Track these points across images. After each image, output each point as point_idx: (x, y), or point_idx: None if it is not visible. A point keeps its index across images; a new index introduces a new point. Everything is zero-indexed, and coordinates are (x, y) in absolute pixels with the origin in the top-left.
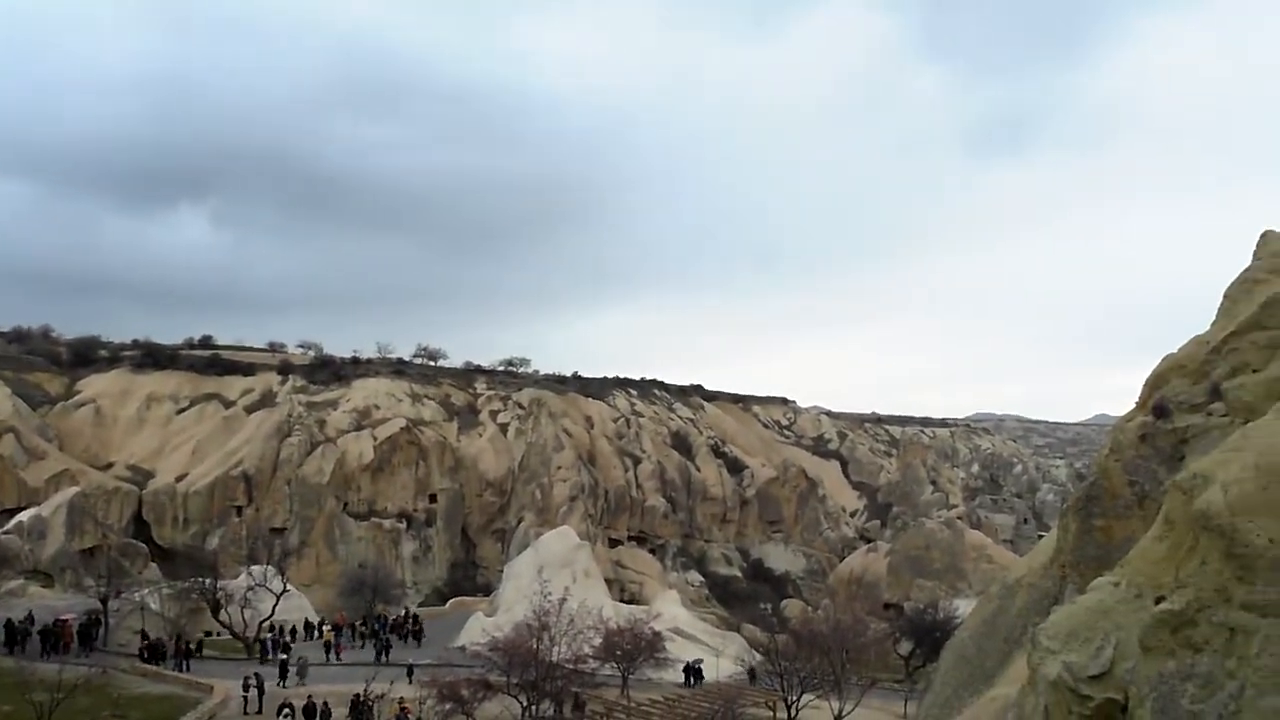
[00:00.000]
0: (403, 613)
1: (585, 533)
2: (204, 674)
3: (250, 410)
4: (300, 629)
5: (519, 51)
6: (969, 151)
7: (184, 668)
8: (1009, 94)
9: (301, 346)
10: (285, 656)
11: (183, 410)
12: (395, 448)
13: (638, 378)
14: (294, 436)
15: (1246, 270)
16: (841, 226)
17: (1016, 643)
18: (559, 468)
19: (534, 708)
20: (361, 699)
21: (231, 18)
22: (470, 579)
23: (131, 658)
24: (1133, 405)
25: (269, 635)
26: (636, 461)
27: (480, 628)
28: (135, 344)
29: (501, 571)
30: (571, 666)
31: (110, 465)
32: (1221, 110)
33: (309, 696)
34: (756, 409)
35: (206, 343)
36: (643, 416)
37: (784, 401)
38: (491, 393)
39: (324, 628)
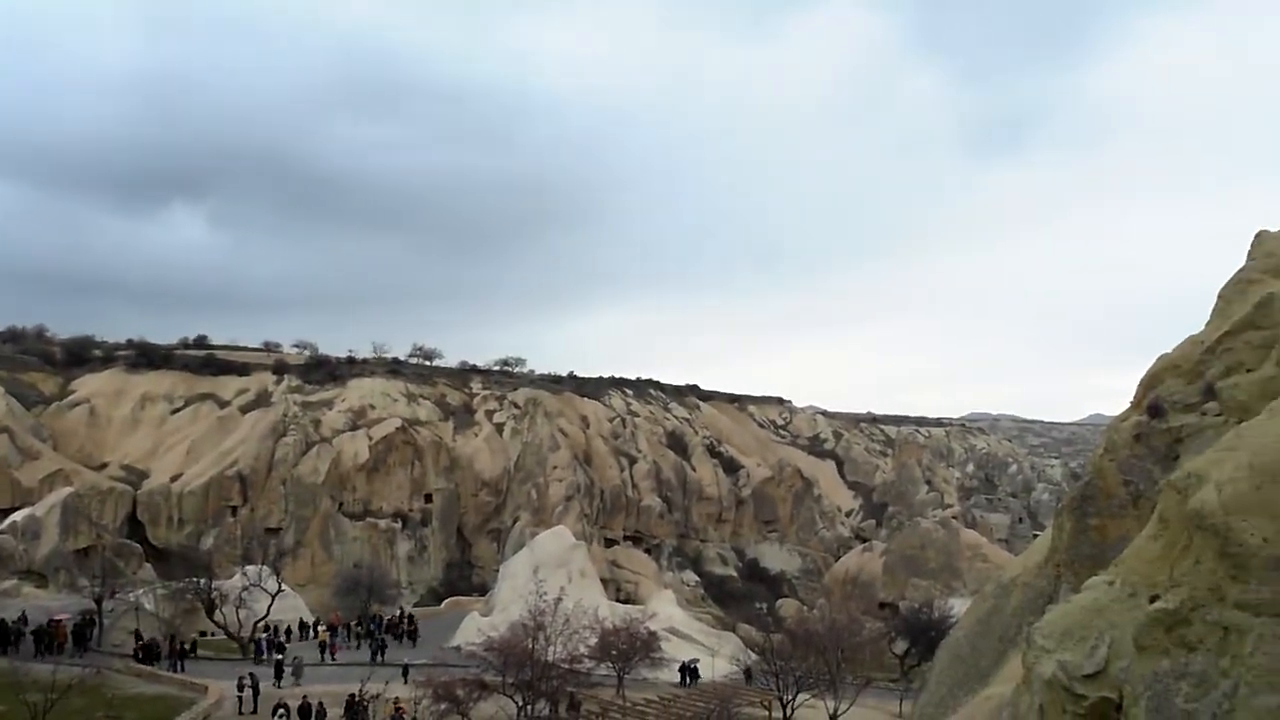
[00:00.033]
0: (398, 613)
1: (581, 532)
2: (199, 674)
3: (245, 410)
4: (295, 629)
5: (518, 52)
6: (965, 152)
7: (179, 668)
8: (1007, 94)
9: (297, 346)
10: (281, 657)
11: (177, 410)
12: (390, 447)
13: (633, 377)
14: (289, 436)
15: (1241, 270)
16: (837, 227)
17: (1011, 642)
18: (554, 467)
19: (529, 708)
20: (356, 699)
21: (230, 18)
22: (466, 579)
23: (126, 658)
24: (1127, 405)
25: (263, 635)
26: (632, 461)
27: (476, 627)
28: (130, 344)
29: (497, 571)
30: (567, 666)
31: (105, 465)
32: (1220, 110)
33: (304, 697)
34: (752, 409)
35: (201, 342)
36: (638, 416)
37: (779, 401)
38: (487, 392)
39: (319, 628)
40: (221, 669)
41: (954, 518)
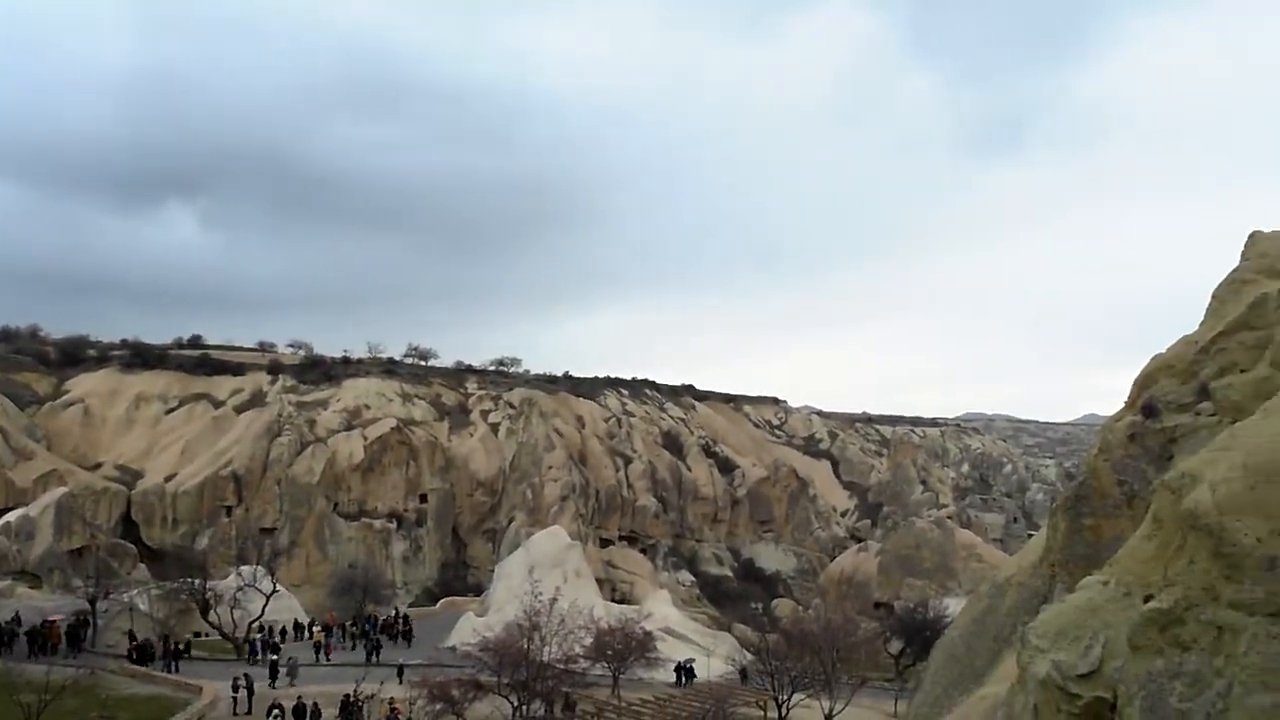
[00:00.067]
0: (393, 613)
1: (576, 533)
2: (193, 675)
3: (240, 410)
4: (290, 629)
5: (516, 52)
6: (963, 152)
7: (173, 669)
8: (1005, 94)
9: (292, 346)
10: (275, 657)
11: (172, 410)
12: (386, 447)
13: (629, 378)
14: (284, 436)
15: (1234, 271)
16: (834, 227)
17: (1006, 641)
18: (550, 467)
19: (525, 708)
20: (351, 699)
21: (229, 18)
22: (461, 579)
23: (120, 659)
24: (1122, 405)
25: (257, 636)
26: (628, 461)
27: (471, 628)
28: (124, 344)
29: (492, 571)
30: (562, 666)
31: (99, 465)
32: (1217, 111)
33: (299, 697)
34: (747, 409)
35: (196, 342)
36: (634, 416)
37: (775, 401)
38: (482, 392)
39: (314, 628)
40: (216, 669)
41: (949, 518)
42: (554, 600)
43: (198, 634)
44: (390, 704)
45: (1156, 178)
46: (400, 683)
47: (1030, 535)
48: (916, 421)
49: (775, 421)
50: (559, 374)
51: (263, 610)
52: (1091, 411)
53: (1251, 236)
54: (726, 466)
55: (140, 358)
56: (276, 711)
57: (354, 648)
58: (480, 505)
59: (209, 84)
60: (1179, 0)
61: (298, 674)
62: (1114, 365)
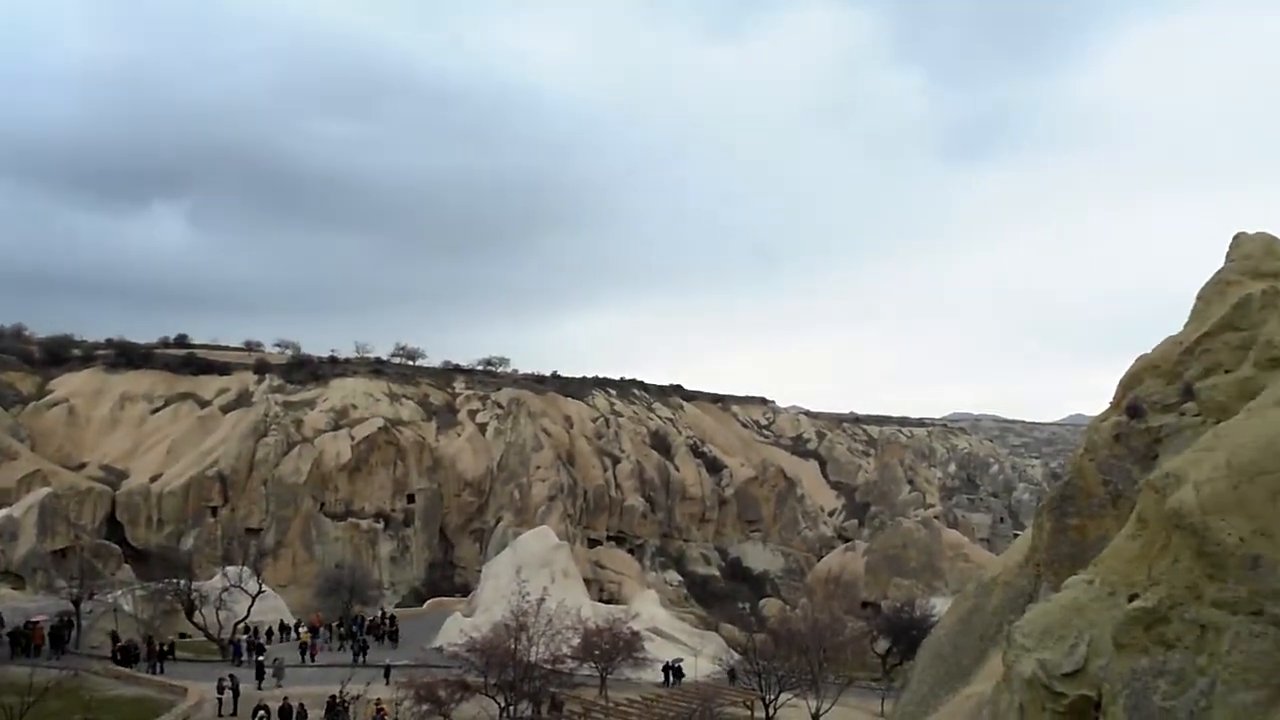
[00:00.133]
0: (379, 613)
1: (564, 533)
2: (178, 676)
3: (226, 410)
4: (276, 630)
5: (500, 52)
6: (949, 153)
7: (157, 670)
8: (990, 95)
9: (278, 346)
10: (262, 658)
11: (157, 410)
12: (373, 447)
13: (617, 378)
14: (270, 436)
15: (1219, 272)
16: (821, 228)
17: (992, 640)
18: (538, 467)
19: (512, 708)
20: (337, 700)
21: (210, 15)
22: (448, 579)
23: (104, 660)
24: (1107, 405)
25: (243, 637)
26: (615, 461)
27: (458, 628)
28: (109, 343)
29: (480, 572)
30: (550, 667)
31: (83, 465)
32: (1202, 114)
33: (285, 698)
34: (735, 409)
35: (182, 342)
36: (622, 416)
37: (763, 401)
38: (470, 392)
39: (300, 629)
40: (201, 671)
41: (936, 517)
42: (541, 600)
43: (183, 635)
44: (377, 705)
45: (1142, 179)
46: (387, 683)
47: (1016, 535)
48: (904, 422)
49: (763, 421)
50: (547, 374)
51: (248, 611)
52: (1077, 412)
53: (1236, 238)
54: (714, 466)
55: (125, 357)
56: (262, 713)
57: (340, 648)
58: (468, 505)
59: (193, 83)
60: (1164, 2)
61: (284, 675)
62: (1100, 366)
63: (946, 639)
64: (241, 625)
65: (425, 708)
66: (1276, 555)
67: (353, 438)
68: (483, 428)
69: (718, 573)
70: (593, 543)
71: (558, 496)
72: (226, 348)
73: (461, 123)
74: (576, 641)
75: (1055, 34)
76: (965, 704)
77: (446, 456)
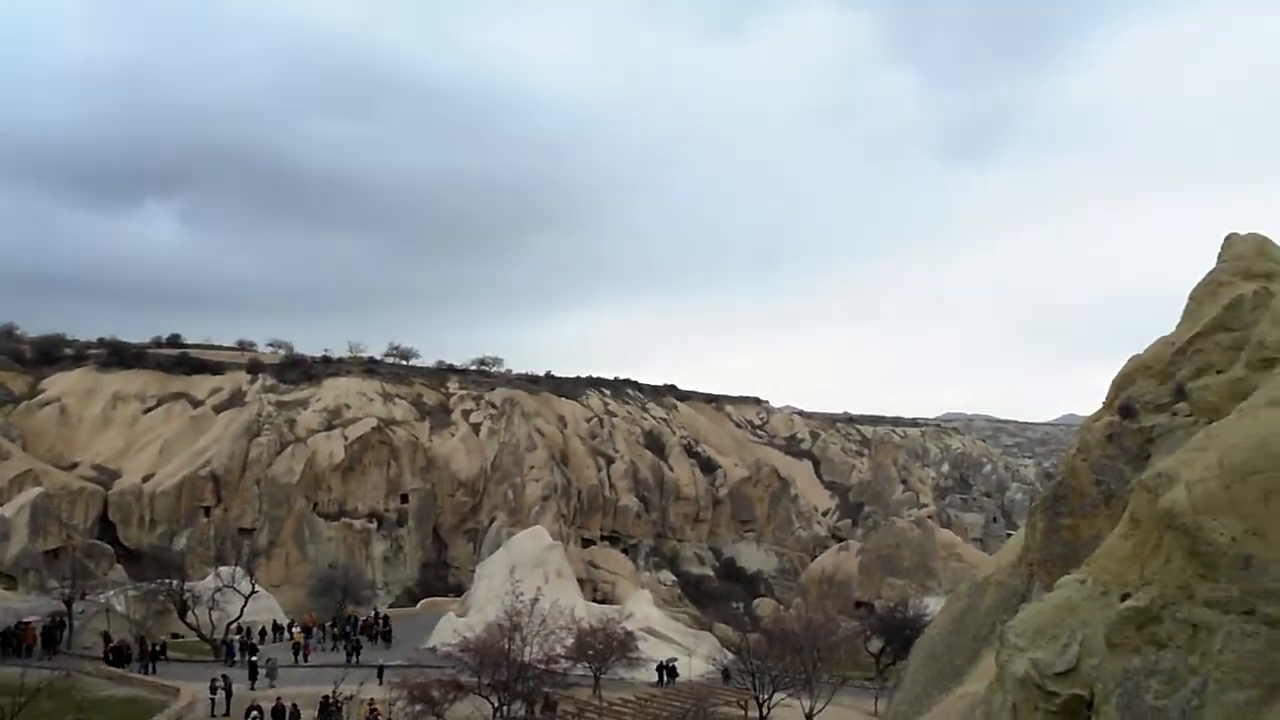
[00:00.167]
0: (372, 613)
1: (558, 533)
2: (171, 677)
3: (219, 409)
4: (269, 630)
5: (495, 51)
6: (943, 153)
7: (150, 670)
8: (986, 96)
9: (271, 345)
10: (255, 658)
11: (150, 409)
12: (366, 447)
13: (611, 377)
14: (263, 436)
15: (1211, 273)
16: (814, 228)
17: (985, 640)
18: (531, 467)
19: (505, 708)
20: (330, 701)
21: (204, 14)
22: (442, 579)
23: (96, 660)
24: (1100, 405)
25: (235, 637)
26: (609, 461)
27: (452, 628)
28: (101, 342)
29: (473, 572)
30: (543, 667)
31: (75, 465)
32: (1197, 115)
33: (278, 698)
34: (729, 409)
35: (174, 341)
36: (616, 416)
37: (757, 401)
38: (464, 392)
39: (293, 629)
40: (194, 671)
41: (929, 517)
42: (535, 600)
43: (175, 635)
44: (370, 705)
45: (1139, 179)
46: (380, 684)
47: (1009, 535)
48: (897, 421)
49: (757, 421)
50: (541, 374)
51: (241, 611)
52: (1070, 412)
53: (1228, 239)
54: (708, 466)
55: (118, 356)
56: (255, 713)
57: (334, 649)
58: (461, 505)
59: (186, 82)
60: (1160, 5)
61: (277, 675)
62: (1093, 366)
63: (940, 639)
64: (234, 625)
65: (419, 708)
66: (1268, 555)
67: (346, 437)
68: (476, 428)
69: (711, 573)
70: (586, 543)
71: (551, 496)
72: (219, 347)
73: (459, 123)
74: (570, 641)
75: (1054, 34)
76: (958, 704)
77: (440, 456)
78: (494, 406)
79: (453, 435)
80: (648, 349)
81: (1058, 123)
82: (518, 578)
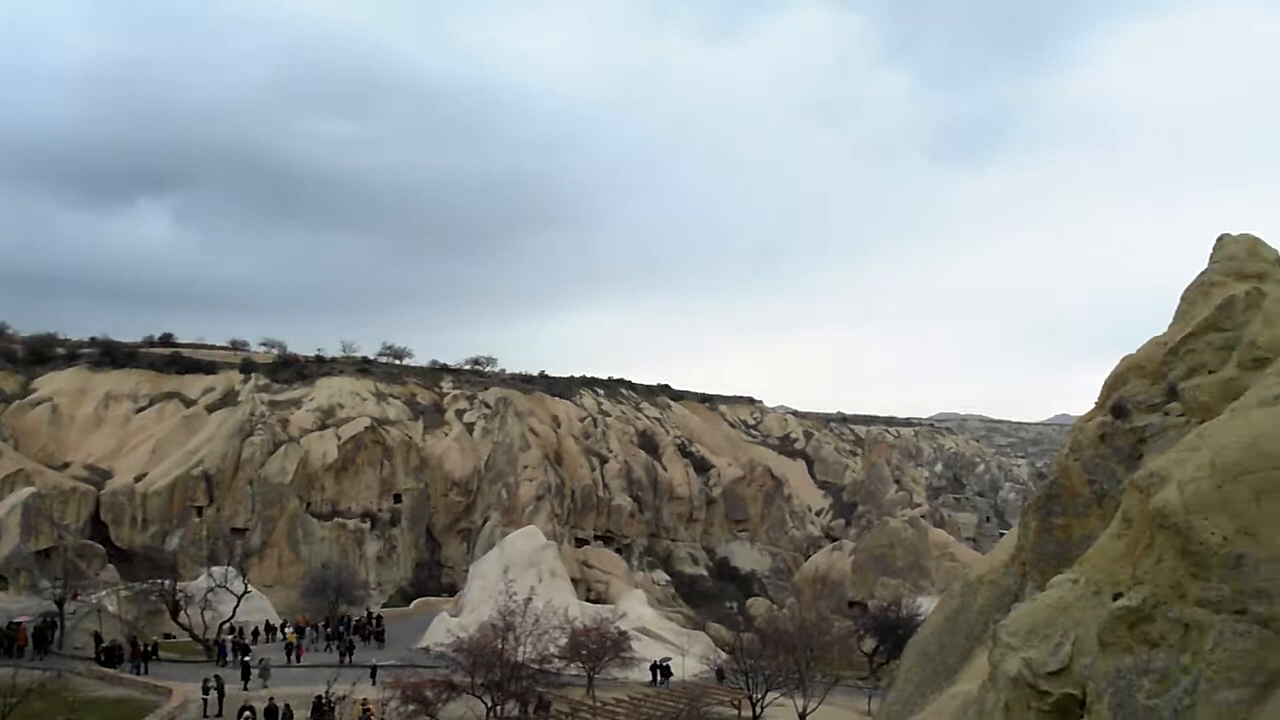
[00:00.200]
0: (365, 613)
1: (551, 532)
2: (163, 677)
3: (211, 409)
4: (261, 630)
5: (490, 51)
6: (936, 155)
7: (142, 671)
8: (980, 97)
9: (264, 345)
10: (247, 659)
11: (142, 409)
12: (360, 447)
13: (605, 377)
14: (256, 436)
15: (1203, 273)
16: (808, 228)
17: (978, 640)
18: (525, 467)
19: (499, 708)
20: (323, 701)
21: (198, 13)
22: (435, 579)
23: (88, 661)
24: (1092, 405)
25: (227, 637)
26: (603, 461)
27: (445, 628)
28: (93, 341)
29: (467, 571)
30: (537, 666)
31: (67, 465)
32: (1190, 116)
33: (270, 699)
34: (723, 408)
35: (167, 341)
36: (609, 416)
37: (750, 401)
38: (458, 392)
39: (286, 629)
40: (186, 671)
41: (922, 517)
42: (529, 600)
43: (168, 636)
44: (363, 705)
45: (1128, 181)
46: (373, 684)
47: (1002, 534)
48: (891, 421)
49: (751, 421)
50: (534, 373)
51: (234, 611)
52: (1063, 412)
53: (1220, 240)
54: (702, 466)
55: (110, 356)
56: (248, 713)
57: (327, 649)
58: (455, 505)
59: (179, 81)
60: (1159, 5)
61: (269, 675)
62: (1085, 366)
63: (933, 638)
64: (227, 625)
65: (412, 708)
66: (1260, 554)
67: (339, 437)
68: (470, 427)
69: (705, 572)
70: (580, 542)
71: (545, 496)
72: (212, 347)
73: (455, 122)
74: (564, 641)
75: (1051, 35)
76: (951, 703)
77: (433, 456)
78: (488, 406)
79: (446, 435)
80: (642, 349)
81: (1052, 124)
82: (511, 577)
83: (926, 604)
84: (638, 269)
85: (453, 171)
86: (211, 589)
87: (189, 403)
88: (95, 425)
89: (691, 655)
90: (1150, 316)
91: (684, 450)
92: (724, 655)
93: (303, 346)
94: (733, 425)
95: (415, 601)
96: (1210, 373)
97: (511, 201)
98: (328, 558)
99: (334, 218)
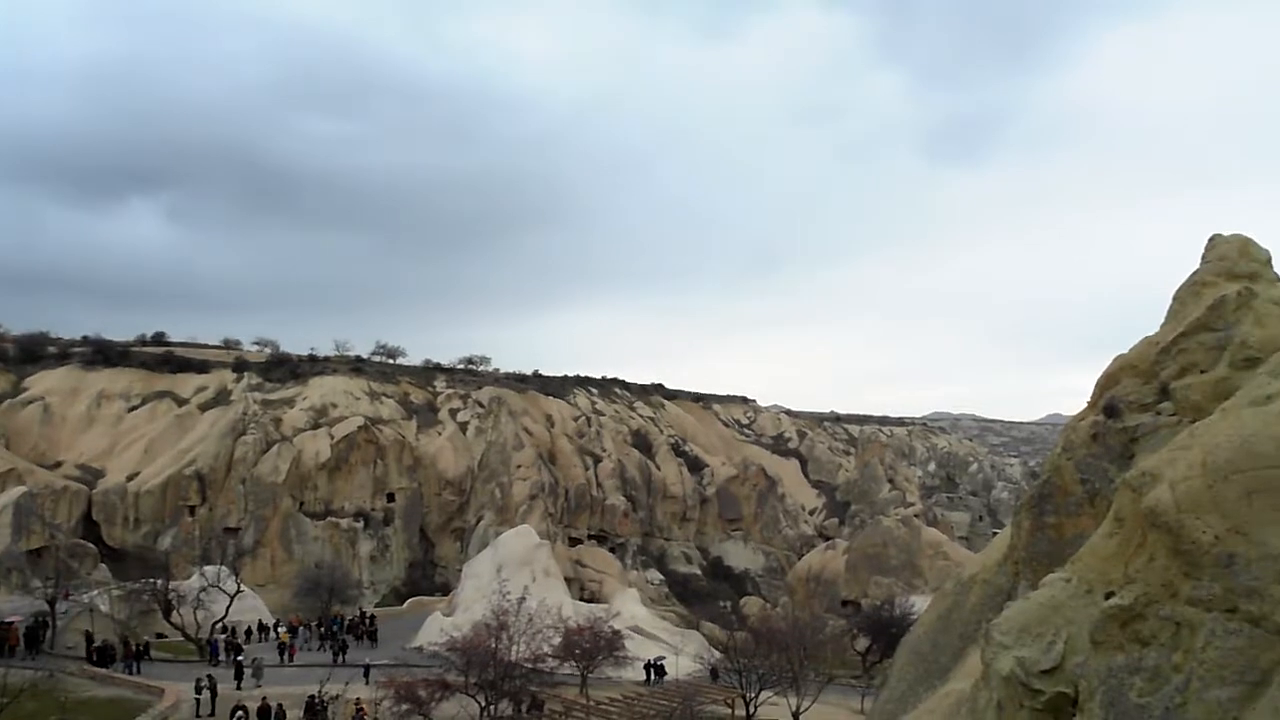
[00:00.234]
0: (358, 613)
1: (545, 531)
2: (155, 677)
3: (204, 408)
4: (254, 630)
5: (482, 50)
6: (926, 155)
7: (134, 670)
8: (973, 98)
9: (257, 344)
10: (240, 658)
11: (134, 408)
12: (353, 446)
13: (598, 376)
14: (249, 435)
15: (1195, 273)
16: (802, 228)
17: (971, 639)
18: (519, 466)
19: (492, 707)
20: (316, 700)
21: (189, 11)
22: (429, 578)
23: (80, 661)
24: (1085, 405)
25: (220, 637)
26: (597, 460)
27: (438, 627)
28: (85, 340)
29: (460, 571)
30: (530, 666)
31: (59, 464)
32: (1183, 118)
33: (264, 699)
34: (717, 408)
35: (159, 339)
36: (603, 415)
37: (744, 400)
38: (451, 391)
39: (279, 629)
40: (179, 671)
41: (916, 516)
42: (522, 599)
43: (160, 635)
44: (356, 705)
45: (1121, 182)
46: (366, 683)
47: (995, 533)
48: (884, 421)
49: (744, 420)
50: (528, 373)
51: (226, 611)
52: (1055, 411)
53: (1211, 240)
54: (695, 465)
55: (102, 355)
56: (241, 713)
57: (320, 648)
58: (448, 504)
59: (171, 79)
60: (1149, 8)
61: (262, 675)
62: (1078, 366)
63: (925, 637)
64: (219, 625)
65: (405, 707)
66: (1250, 553)
67: (332, 436)
68: (463, 426)
69: (699, 571)
70: (574, 541)
71: (539, 495)
72: (205, 345)
73: (448, 121)
74: (557, 640)
75: (1043, 36)
76: (944, 701)
77: (427, 455)
78: (481, 405)
79: (440, 434)
80: (635, 348)
81: (1045, 124)
82: (505, 577)
83: (919, 603)
84: (631, 268)
85: (446, 170)
86: (204, 588)
87: (181, 402)
88: (87, 424)
89: (685, 654)
90: (1142, 316)
91: (677, 449)
92: (717, 654)
93: (296, 345)
94: (726, 424)
95: (408, 601)
96: (1202, 372)
97: (505, 200)
98: (321, 557)
99: (327, 216)
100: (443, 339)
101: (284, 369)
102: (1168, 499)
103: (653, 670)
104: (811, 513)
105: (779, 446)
